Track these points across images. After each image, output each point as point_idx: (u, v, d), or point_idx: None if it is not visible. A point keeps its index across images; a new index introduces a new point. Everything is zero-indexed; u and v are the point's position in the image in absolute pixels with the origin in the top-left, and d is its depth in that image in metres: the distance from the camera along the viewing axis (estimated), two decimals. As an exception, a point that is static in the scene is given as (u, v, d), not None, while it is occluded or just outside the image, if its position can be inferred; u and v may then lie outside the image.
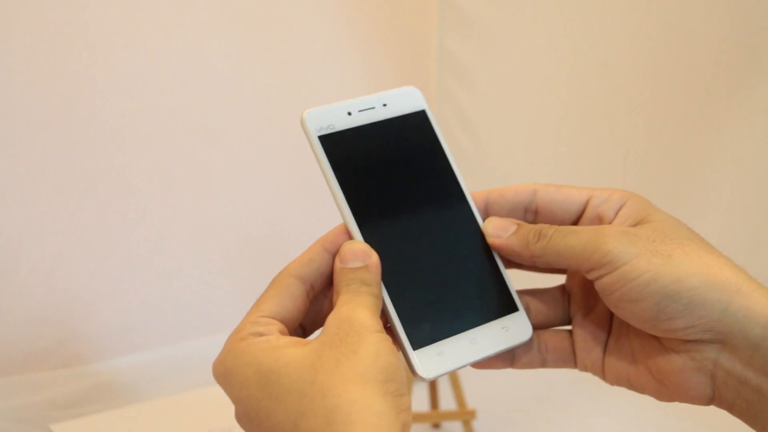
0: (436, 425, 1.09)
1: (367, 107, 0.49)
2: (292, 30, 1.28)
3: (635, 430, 1.03)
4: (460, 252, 0.49)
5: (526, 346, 0.50)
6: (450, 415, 1.02)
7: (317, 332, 0.47)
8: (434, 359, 0.46)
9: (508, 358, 0.51)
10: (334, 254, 0.47)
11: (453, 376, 1.03)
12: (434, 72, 1.44)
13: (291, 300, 0.46)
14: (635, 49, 1.21)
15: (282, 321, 0.45)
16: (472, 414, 1.01)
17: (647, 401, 0.50)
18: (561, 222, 0.50)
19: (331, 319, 0.43)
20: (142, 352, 1.17)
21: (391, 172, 0.49)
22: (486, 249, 0.50)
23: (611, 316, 0.50)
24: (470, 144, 1.41)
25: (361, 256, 0.46)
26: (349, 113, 0.49)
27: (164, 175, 1.20)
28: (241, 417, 0.43)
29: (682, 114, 1.16)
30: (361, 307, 0.44)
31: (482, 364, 0.50)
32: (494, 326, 0.49)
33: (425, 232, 0.49)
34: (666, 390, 0.47)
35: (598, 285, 0.46)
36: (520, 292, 0.52)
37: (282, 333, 0.45)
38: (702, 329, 0.44)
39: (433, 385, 1.07)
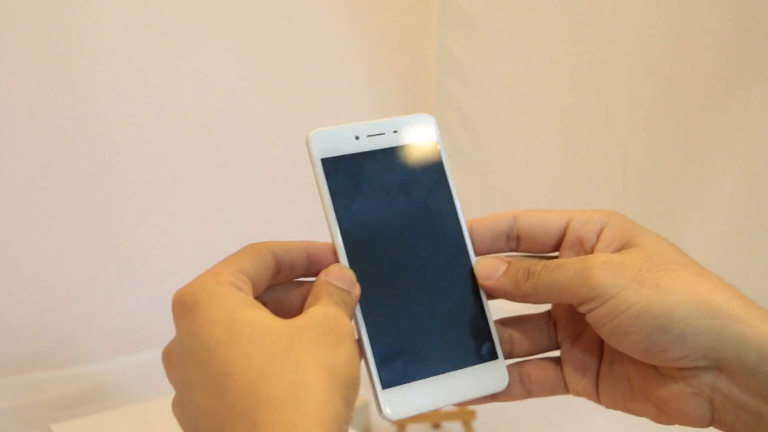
0: (436, 425, 1.09)
1: (377, 133, 0.48)
2: (293, 30, 1.28)
3: (635, 430, 1.03)
4: (448, 292, 0.48)
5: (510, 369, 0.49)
6: (450, 415, 1.02)
7: None
8: (402, 400, 0.45)
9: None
10: (312, 260, 0.47)
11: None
12: (434, 72, 1.44)
13: (264, 270, 0.45)
14: (635, 49, 1.21)
15: (253, 286, 0.45)
16: (472, 414, 1.01)
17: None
18: (542, 246, 0.50)
19: (318, 310, 0.43)
20: (142, 352, 1.17)
21: (391, 204, 0.47)
22: (475, 291, 0.48)
23: (601, 341, 0.50)
24: (470, 144, 1.41)
25: (349, 282, 0.46)
26: (357, 137, 0.47)
27: (163, 177, 1.20)
28: (188, 353, 0.42)
29: (682, 114, 1.16)
30: (345, 317, 0.43)
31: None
32: (470, 372, 0.47)
33: (415, 269, 0.47)
34: (665, 415, 0.47)
35: (589, 318, 0.45)
36: (504, 321, 0.51)
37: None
38: (696, 357, 0.43)
39: (433, 385, 1.07)
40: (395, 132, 0.48)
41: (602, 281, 0.44)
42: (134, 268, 1.17)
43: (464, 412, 1.01)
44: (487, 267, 0.49)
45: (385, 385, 0.45)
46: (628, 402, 0.48)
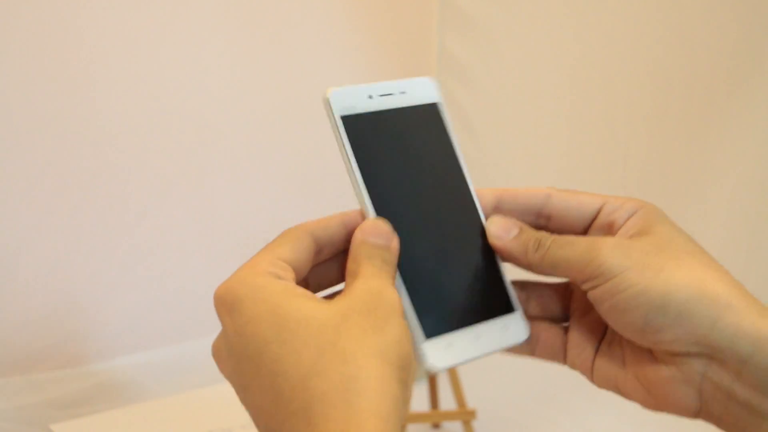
0: (436, 425, 1.09)
1: (387, 92, 0.50)
2: (292, 30, 1.28)
3: (635, 430, 1.03)
4: (464, 247, 0.49)
5: None
6: (450, 415, 1.02)
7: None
8: (443, 351, 0.46)
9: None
10: (350, 231, 0.46)
11: (453, 376, 1.03)
12: (434, 72, 1.44)
13: (304, 253, 0.45)
14: (636, 49, 1.21)
15: (295, 271, 0.44)
16: (472, 414, 1.01)
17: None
18: (572, 227, 0.51)
19: (361, 287, 0.42)
20: (142, 352, 1.17)
21: (405, 161, 0.49)
22: (488, 246, 0.50)
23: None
24: (470, 144, 1.41)
25: (386, 235, 0.45)
26: (371, 96, 0.49)
27: (164, 175, 1.20)
28: (238, 352, 0.41)
29: (682, 113, 1.16)
30: (390, 287, 0.43)
31: None
32: (497, 324, 0.49)
33: (433, 224, 0.49)
34: (652, 399, 0.47)
35: (590, 295, 0.46)
36: (522, 284, 0.52)
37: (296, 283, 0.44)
38: (689, 342, 0.44)
39: (433, 385, 1.07)
40: (403, 93, 0.50)
41: (608, 261, 0.45)
42: (134, 267, 1.17)
43: (464, 412, 1.01)
44: (499, 226, 0.50)
45: (428, 335, 0.46)
46: (619, 382, 0.49)
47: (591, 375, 0.51)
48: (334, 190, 1.40)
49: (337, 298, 0.42)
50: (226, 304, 0.43)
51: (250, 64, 1.25)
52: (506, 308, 0.50)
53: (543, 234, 0.49)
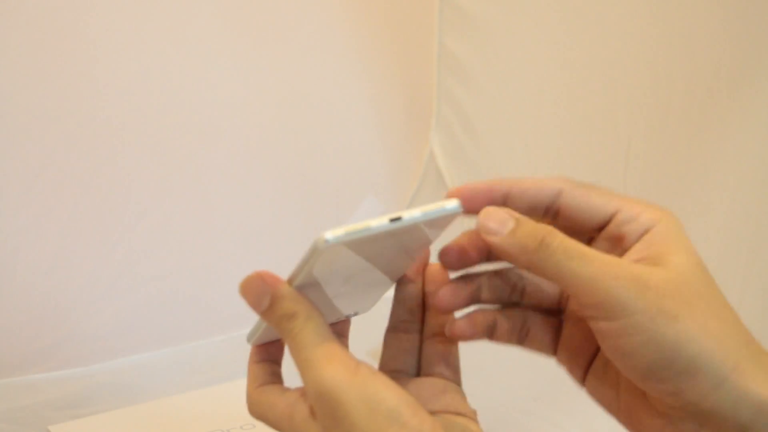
0: (437, 425, 1.09)
1: None
2: (291, 29, 1.28)
3: (636, 431, 1.02)
4: None
5: (512, 316, 0.49)
6: (450, 416, 1.02)
7: None
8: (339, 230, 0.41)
9: (488, 328, 0.50)
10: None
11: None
12: (434, 72, 1.44)
13: (272, 371, 0.48)
14: (636, 47, 1.20)
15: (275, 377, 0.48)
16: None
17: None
18: (579, 230, 0.47)
19: (310, 397, 0.42)
20: (142, 352, 1.16)
21: None
22: None
23: None
24: (470, 144, 1.41)
25: (260, 287, 0.43)
26: None
27: (163, 176, 1.19)
28: None
29: (683, 111, 1.16)
30: (318, 363, 0.42)
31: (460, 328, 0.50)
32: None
33: None
34: None
35: (594, 325, 0.44)
36: (519, 273, 0.51)
37: (277, 387, 0.47)
38: (688, 400, 0.42)
39: (433, 385, 1.07)
40: None
41: (621, 297, 0.42)
42: (134, 268, 1.17)
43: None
44: (494, 219, 0.46)
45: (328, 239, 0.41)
46: (611, 403, 0.48)
47: (582, 381, 0.49)
48: (334, 191, 1.40)
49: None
50: None
51: (249, 64, 1.25)
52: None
53: (545, 230, 0.44)
